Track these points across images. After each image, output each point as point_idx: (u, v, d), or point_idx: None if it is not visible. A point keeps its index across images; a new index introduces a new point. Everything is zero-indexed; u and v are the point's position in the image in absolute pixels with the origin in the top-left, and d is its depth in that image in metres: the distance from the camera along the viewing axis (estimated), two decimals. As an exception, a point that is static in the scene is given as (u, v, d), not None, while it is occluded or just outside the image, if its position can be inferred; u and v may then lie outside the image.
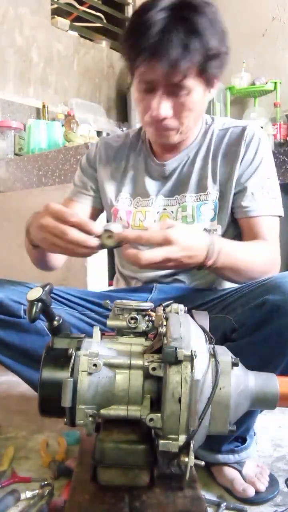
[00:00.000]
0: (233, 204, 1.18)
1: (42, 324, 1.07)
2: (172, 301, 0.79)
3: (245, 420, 1.05)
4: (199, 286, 1.21)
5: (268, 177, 1.19)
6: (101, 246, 0.90)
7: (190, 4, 1.01)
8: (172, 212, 1.22)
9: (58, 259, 1.25)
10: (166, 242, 0.88)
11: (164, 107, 1.06)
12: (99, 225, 0.90)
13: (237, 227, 1.20)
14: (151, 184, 1.25)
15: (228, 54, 1.07)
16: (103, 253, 1.95)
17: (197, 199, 1.19)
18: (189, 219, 1.19)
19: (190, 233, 0.95)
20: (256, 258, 1.09)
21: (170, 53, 0.98)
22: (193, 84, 1.05)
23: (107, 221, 1.38)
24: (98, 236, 0.90)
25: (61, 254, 1.07)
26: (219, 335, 0.99)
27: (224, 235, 1.18)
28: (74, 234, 0.88)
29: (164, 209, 1.23)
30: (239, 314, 1.00)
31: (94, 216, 1.36)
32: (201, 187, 1.20)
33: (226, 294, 1.09)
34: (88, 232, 0.89)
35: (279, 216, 1.19)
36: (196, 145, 1.23)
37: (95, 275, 1.94)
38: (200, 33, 0.99)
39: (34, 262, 1.24)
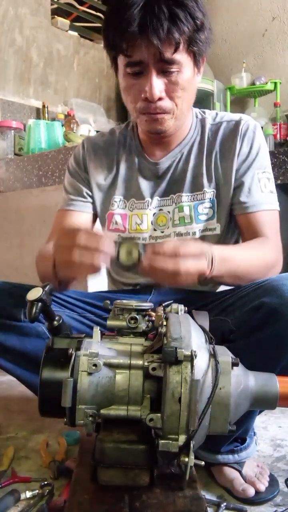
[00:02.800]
0: (231, 201, 1.15)
1: (42, 327, 1.07)
2: (172, 301, 0.79)
3: (243, 422, 1.04)
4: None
5: (264, 170, 1.16)
6: (117, 260, 0.84)
7: None
8: (169, 212, 1.18)
9: None
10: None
11: (157, 86, 1.02)
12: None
13: (236, 225, 1.18)
14: (145, 185, 1.20)
15: (211, 30, 1.05)
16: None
17: (193, 198, 1.17)
18: (187, 219, 1.16)
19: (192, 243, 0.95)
20: (255, 261, 1.06)
21: (159, 26, 0.95)
22: (183, 59, 1.02)
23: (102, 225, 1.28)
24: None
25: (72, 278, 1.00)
26: (217, 337, 0.99)
27: (223, 233, 1.17)
28: (85, 237, 0.86)
29: (160, 209, 1.19)
30: (236, 317, 1.00)
31: (95, 223, 1.29)
32: (197, 186, 1.17)
33: (225, 296, 1.08)
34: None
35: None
36: (189, 141, 1.19)
37: (95, 276, 1.94)
38: (183, 4, 0.97)
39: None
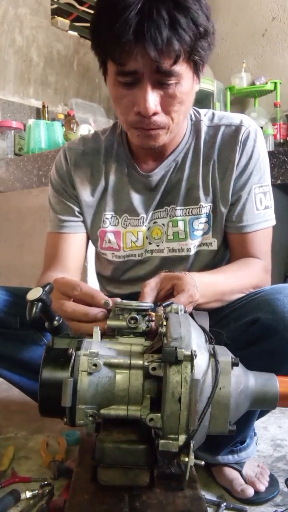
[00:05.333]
0: (225, 217, 1.10)
1: (39, 334, 1.07)
2: (171, 301, 0.79)
3: (242, 429, 1.04)
4: None
5: (261, 184, 1.09)
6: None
7: None
8: (164, 225, 1.12)
9: None
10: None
11: (152, 101, 0.91)
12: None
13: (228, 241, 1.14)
14: (137, 200, 1.13)
15: (215, 34, 0.94)
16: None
17: (188, 212, 1.10)
18: (181, 235, 1.10)
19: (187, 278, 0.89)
20: (240, 284, 1.03)
21: (157, 35, 0.83)
22: (182, 70, 0.91)
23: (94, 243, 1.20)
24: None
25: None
26: None
27: (220, 248, 1.12)
28: (72, 306, 0.81)
29: (155, 222, 1.13)
30: (231, 330, 0.98)
31: (88, 242, 1.22)
32: (192, 199, 1.09)
33: (220, 307, 1.03)
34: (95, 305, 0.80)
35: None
36: (184, 148, 1.10)
37: (95, 276, 1.94)
38: (186, 8, 0.85)
39: None
